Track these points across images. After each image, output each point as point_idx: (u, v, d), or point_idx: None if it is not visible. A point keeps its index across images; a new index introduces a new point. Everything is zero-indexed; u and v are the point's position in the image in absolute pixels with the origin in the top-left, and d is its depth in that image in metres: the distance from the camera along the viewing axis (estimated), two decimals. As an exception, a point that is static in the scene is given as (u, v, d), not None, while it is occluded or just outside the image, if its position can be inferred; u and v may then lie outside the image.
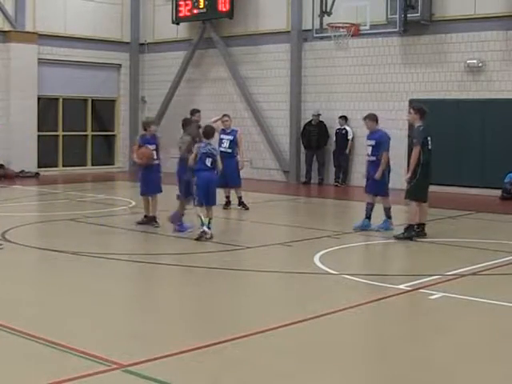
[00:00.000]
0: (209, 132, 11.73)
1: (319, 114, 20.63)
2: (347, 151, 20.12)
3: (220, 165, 11.67)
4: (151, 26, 25.09)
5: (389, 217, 12.28)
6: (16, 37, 22.09)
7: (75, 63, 23.56)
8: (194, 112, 15.19)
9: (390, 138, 12.41)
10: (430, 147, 11.55)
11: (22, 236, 11.64)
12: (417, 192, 11.61)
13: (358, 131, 20.03)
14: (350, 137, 20.14)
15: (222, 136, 14.94)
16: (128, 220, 13.67)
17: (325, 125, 20.60)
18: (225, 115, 15.34)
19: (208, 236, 11.16)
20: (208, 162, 11.44)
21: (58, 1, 23.21)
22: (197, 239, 11.09)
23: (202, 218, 11.26)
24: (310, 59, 21.13)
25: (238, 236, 11.73)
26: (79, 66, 23.72)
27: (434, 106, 17.79)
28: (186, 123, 12.52)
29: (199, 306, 7.68)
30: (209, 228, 11.25)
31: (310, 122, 20.80)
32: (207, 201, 11.40)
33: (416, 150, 11.46)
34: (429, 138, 11.54)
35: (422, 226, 11.73)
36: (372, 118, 12.44)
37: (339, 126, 20.33)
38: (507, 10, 17.49)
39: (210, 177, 11.46)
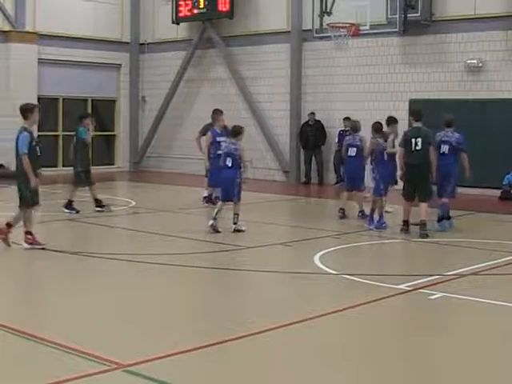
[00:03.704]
0: (237, 131, 12.21)
1: (313, 113, 20.59)
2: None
3: (246, 163, 12.32)
4: (151, 26, 25.08)
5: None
6: (16, 37, 22.09)
7: (75, 63, 23.54)
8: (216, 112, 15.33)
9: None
10: (414, 149, 11.84)
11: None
12: (403, 190, 12.16)
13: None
14: None
15: (219, 139, 14.60)
16: (128, 220, 13.68)
17: (322, 124, 20.58)
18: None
19: (213, 229, 11.79)
20: (228, 161, 11.89)
21: (58, 1, 23.19)
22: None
23: (215, 211, 12.07)
24: (310, 59, 21.12)
25: (238, 236, 11.72)
26: (79, 65, 23.70)
27: (434, 106, 17.80)
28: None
29: (199, 306, 7.68)
30: (235, 223, 11.92)
31: (308, 122, 20.79)
32: (224, 198, 12.10)
33: (398, 152, 12.32)
34: (415, 140, 11.87)
35: (406, 222, 11.97)
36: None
37: (343, 128, 20.23)
38: (507, 9, 17.48)
39: (227, 175, 11.97)
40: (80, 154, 14.23)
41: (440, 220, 12.43)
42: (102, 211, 13.93)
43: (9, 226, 10.41)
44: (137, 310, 7.47)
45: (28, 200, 10.29)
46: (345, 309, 7.35)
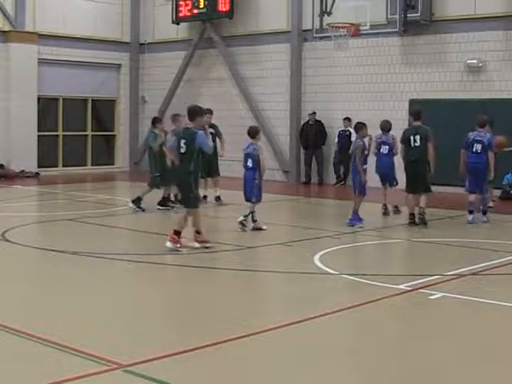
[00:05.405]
0: (254, 132, 12.37)
1: (314, 113, 20.62)
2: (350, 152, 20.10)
3: (265, 165, 12.46)
4: (151, 26, 25.09)
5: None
6: (16, 37, 22.09)
7: (75, 63, 23.55)
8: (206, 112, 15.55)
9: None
10: (413, 145, 12.81)
11: (22, 236, 11.63)
12: (406, 184, 13.15)
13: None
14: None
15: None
16: (128, 219, 13.67)
17: (322, 124, 20.58)
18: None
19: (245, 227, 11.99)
20: (249, 162, 12.11)
21: (58, 1, 23.20)
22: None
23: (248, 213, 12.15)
24: (310, 59, 21.13)
25: (238, 236, 11.72)
26: (79, 65, 23.70)
27: (434, 106, 17.83)
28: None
29: (199, 306, 7.68)
30: (245, 220, 12.02)
31: (308, 122, 20.80)
32: (245, 198, 12.19)
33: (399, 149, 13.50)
34: (414, 138, 12.81)
35: (412, 215, 12.78)
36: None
37: (343, 128, 20.24)
38: (507, 9, 17.48)
39: (246, 176, 12.19)
40: (154, 158, 14.70)
41: (484, 213, 13.42)
42: (169, 208, 14.49)
43: (198, 232, 10.48)
44: (137, 309, 7.48)
45: (195, 201, 10.37)
46: (345, 309, 7.35)
